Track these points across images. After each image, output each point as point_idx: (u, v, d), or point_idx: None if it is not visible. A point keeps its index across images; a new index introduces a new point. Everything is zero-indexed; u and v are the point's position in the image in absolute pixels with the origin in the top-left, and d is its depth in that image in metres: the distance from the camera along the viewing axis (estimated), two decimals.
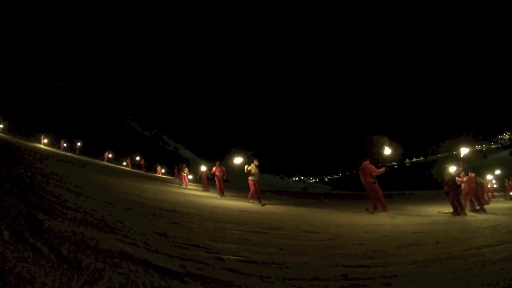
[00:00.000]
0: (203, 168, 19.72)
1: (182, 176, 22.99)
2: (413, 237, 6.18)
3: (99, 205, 6.18)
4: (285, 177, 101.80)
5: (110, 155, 36.99)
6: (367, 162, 11.46)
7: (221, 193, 16.14)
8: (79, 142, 34.96)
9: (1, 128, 34.22)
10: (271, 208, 11.56)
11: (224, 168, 16.85)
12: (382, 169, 11.13)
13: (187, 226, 5.66)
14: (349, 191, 61.74)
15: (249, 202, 12.75)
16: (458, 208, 11.05)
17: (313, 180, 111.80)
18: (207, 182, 19.70)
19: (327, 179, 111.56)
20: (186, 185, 21.70)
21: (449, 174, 12.01)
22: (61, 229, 3.76)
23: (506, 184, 22.25)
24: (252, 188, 12.98)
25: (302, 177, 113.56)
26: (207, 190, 18.41)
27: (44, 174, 8.73)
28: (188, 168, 23.54)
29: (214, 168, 17.09)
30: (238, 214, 8.50)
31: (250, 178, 13.15)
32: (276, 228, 6.69)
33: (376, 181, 11.25)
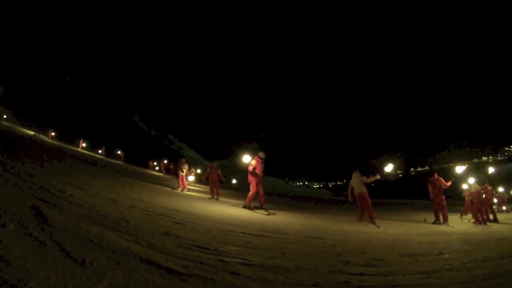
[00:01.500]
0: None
1: (180, 176, 16.39)
2: (416, 247, 6.15)
3: (103, 202, 6.19)
4: (289, 181, 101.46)
5: (84, 144, 36.17)
6: (436, 175, 12.29)
7: (215, 195, 14.04)
8: (119, 150, 34.71)
9: (53, 135, 35.19)
10: (274, 212, 11.52)
11: (216, 167, 15.15)
12: (449, 183, 12.10)
13: (191, 227, 5.66)
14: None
15: (245, 208, 10.83)
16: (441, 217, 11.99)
17: (317, 186, 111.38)
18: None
19: (331, 185, 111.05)
20: (183, 189, 15.74)
21: (473, 186, 13.51)
22: (66, 224, 3.78)
23: (501, 196, 22.17)
24: (253, 189, 10.81)
25: (306, 182, 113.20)
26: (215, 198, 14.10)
27: (51, 169, 8.78)
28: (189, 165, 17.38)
29: (208, 170, 15.08)
30: (241, 217, 8.48)
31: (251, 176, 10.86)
32: (279, 232, 6.67)
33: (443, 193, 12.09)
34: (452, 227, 10.85)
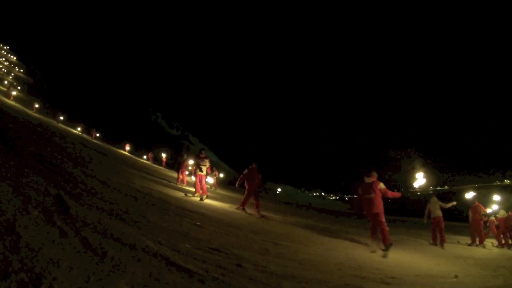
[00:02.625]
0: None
1: (198, 177, 11.74)
2: (431, 268, 5.97)
3: (124, 198, 6.24)
4: (305, 191, 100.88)
5: (128, 147, 36.82)
6: (477, 202, 12.95)
7: (256, 210, 10.80)
8: (163, 153, 34.47)
9: (98, 136, 36.09)
10: (292, 221, 11.44)
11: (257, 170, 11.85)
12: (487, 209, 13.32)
13: (209, 230, 5.65)
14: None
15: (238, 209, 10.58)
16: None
17: (333, 198, 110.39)
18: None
19: (347, 197, 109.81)
20: (202, 196, 11.20)
21: (500, 212, 13.68)
22: (87, 216, 3.81)
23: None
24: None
25: (322, 193, 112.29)
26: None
27: (73, 159, 8.93)
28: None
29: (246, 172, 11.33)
30: (260, 224, 8.42)
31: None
32: (296, 241, 6.60)
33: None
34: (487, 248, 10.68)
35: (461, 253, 9.16)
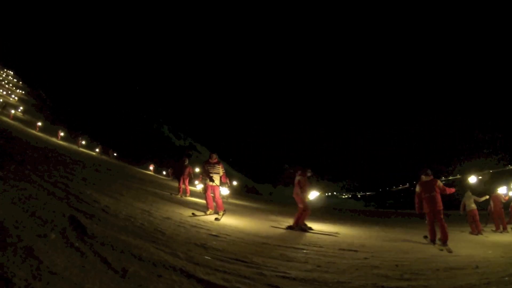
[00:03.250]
0: None
1: (208, 189, 9.40)
2: (451, 260, 5.87)
3: (138, 213, 6.26)
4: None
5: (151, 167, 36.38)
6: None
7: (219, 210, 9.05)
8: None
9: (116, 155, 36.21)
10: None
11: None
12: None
13: (226, 239, 5.65)
14: (384, 209, 60.72)
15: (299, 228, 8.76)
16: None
17: (346, 196, 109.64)
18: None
19: (360, 195, 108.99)
20: (219, 213, 8.91)
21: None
22: (104, 235, 3.83)
23: None
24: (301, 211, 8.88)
25: (334, 192, 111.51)
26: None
27: (83, 178, 8.98)
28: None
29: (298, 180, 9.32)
30: (274, 230, 8.38)
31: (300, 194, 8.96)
32: (313, 244, 6.55)
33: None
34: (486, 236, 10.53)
35: (478, 242, 9.04)
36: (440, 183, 7.70)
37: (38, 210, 4.09)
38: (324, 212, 19.82)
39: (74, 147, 28.31)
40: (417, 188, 7.93)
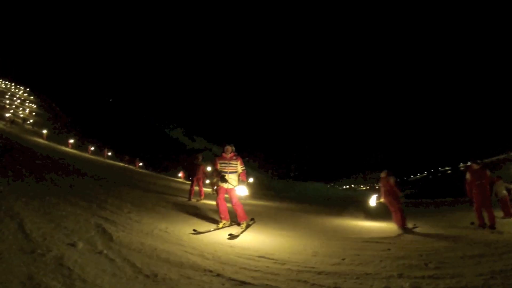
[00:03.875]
0: None
1: (220, 192, 6.68)
2: (475, 248, 5.73)
3: (160, 217, 6.29)
4: (335, 186, 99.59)
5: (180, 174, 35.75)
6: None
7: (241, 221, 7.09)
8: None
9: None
10: (324, 218, 11.26)
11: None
12: None
13: (250, 237, 5.61)
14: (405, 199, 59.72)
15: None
16: None
17: (364, 188, 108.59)
18: None
19: (378, 186, 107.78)
20: (243, 224, 6.56)
21: None
22: (131, 241, 3.84)
23: None
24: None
25: (352, 185, 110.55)
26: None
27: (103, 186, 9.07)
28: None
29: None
30: (294, 226, 8.33)
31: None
32: (337, 238, 6.49)
33: None
34: None
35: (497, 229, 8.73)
36: (488, 171, 8.13)
37: (63, 221, 4.15)
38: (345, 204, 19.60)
39: (101, 159, 28.50)
40: (467, 176, 8.20)
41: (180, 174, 31.86)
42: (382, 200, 8.58)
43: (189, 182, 12.01)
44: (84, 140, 37.35)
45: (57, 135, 34.24)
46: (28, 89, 68.63)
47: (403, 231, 7.77)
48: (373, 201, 9.18)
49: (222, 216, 6.57)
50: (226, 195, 6.52)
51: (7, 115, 33.11)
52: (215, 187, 7.00)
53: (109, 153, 33.41)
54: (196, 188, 11.75)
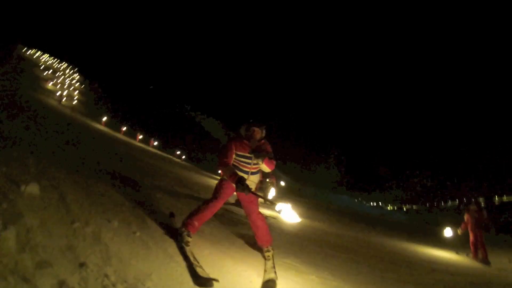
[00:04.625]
0: None
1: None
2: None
3: (187, 203, 6.34)
4: (363, 201, 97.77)
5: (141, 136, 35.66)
6: None
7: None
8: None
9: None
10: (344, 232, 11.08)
11: None
12: None
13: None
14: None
15: None
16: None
17: (391, 208, 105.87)
18: None
19: (406, 208, 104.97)
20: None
21: None
22: (163, 226, 3.89)
23: None
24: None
25: (379, 203, 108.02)
26: None
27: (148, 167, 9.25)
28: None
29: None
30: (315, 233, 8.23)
31: None
32: (355, 252, 6.34)
33: None
34: None
35: None
36: None
37: (100, 198, 4.26)
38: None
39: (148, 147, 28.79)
40: None
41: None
42: (460, 232, 8.76)
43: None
44: (134, 128, 37.90)
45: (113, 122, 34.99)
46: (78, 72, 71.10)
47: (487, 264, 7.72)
48: (448, 232, 9.27)
49: (261, 239, 4.03)
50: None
51: (58, 93, 33.94)
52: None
53: (155, 143, 33.84)
54: None
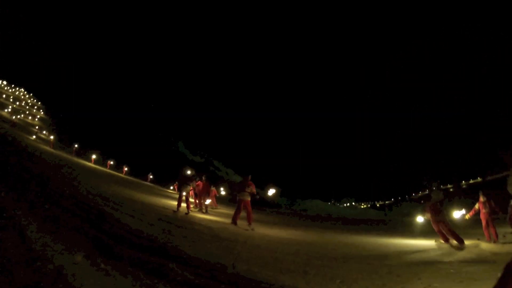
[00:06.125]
0: None
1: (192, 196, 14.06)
2: None
3: (159, 231, 6.30)
4: (336, 203, 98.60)
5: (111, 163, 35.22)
6: None
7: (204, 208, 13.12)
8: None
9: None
10: (327, 236, 11.17)
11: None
12: None
13: (254, 243, 5.60)
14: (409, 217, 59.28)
15: None
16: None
17: (364, 206, 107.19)
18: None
19: (379, 204, 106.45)
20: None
21: None
22: (129, 255, 3.89)
23: None
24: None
25: (353, 203, 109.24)
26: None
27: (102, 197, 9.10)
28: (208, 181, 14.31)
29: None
30: (291, 243, 8.29)
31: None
32: (339, 259, 6.45)
33: None
34: None
35: None
36: None
37: (64, 231, 4.21)
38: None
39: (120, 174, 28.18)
40: None
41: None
42: (467, 217, 10.31)
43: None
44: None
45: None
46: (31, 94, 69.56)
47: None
48: (420, 219, 10.92)
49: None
50: None
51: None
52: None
53: (111, 163, 33.14)
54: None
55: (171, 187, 30.82)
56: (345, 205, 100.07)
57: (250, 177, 10.28)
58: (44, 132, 37.57)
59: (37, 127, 39.42)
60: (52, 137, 31.30)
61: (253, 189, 10.18)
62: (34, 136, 30.46)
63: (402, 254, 7.35)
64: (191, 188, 12.04)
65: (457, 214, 10.57)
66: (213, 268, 4.34)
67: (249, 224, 9.63)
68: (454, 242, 8.53)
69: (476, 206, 10.46)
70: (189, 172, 11.89)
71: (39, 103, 66.15)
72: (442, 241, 9.17)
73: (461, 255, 7.17)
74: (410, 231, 12.65)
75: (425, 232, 10.97)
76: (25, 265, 2.90)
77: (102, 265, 3.34)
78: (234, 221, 9.75)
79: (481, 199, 10.21)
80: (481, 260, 6.40)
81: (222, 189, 19.51)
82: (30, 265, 2.94)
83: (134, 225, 6.16)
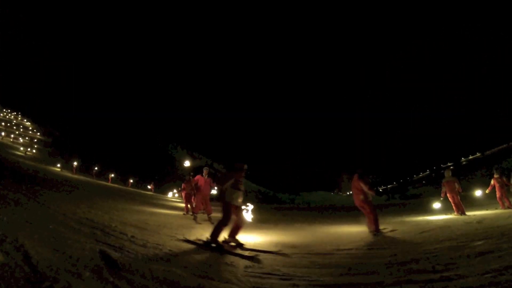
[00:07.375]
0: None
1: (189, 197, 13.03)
2: (480, 245, 5.69)
3: (164, 239, 6.30)
4: (339, 193, 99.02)
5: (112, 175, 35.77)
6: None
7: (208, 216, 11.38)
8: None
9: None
10: (328, 227, 11.17)
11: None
12: None
13: (253, 254, 5.62)
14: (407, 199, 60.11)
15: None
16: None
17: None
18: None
19: (381, 189, 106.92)
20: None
21: None
22: (136, 267, 3.89)
23: None
24: None
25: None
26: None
27: (105, 210, 9.10)
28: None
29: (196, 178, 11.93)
30: (297, 237, 8.31)
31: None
32: (340, 247, 6.47)
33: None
34: None
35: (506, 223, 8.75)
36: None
37: (68, 249, 4.19)
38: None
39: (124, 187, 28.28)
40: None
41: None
42: (487, 191, 13.26)
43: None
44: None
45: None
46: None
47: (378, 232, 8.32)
48: (437, 205, 14.21)
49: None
50: None
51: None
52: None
53: (112, 175, 33.38)
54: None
55: (176, 194, 31.10)
56: (348, 193, 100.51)
57: (245, 167, 6.82)
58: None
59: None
60: (75, 163, 31.56)
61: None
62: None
63: None
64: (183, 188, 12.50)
65: (436, 205, 14.38)
66: (220, 269, 4.36)
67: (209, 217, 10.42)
68: (507, 205, 11.90)
69: (492, 181, 12.95)
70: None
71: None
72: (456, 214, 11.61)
73: None
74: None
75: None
76: (32, 287, 2.88)
77: (110, 279, 3.33)
78: (214, 239, 6.23)
79: (495, 175, 12.76)
80: None
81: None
82: (38, 286, 2.92)
83: (139, 235, 6.18)
